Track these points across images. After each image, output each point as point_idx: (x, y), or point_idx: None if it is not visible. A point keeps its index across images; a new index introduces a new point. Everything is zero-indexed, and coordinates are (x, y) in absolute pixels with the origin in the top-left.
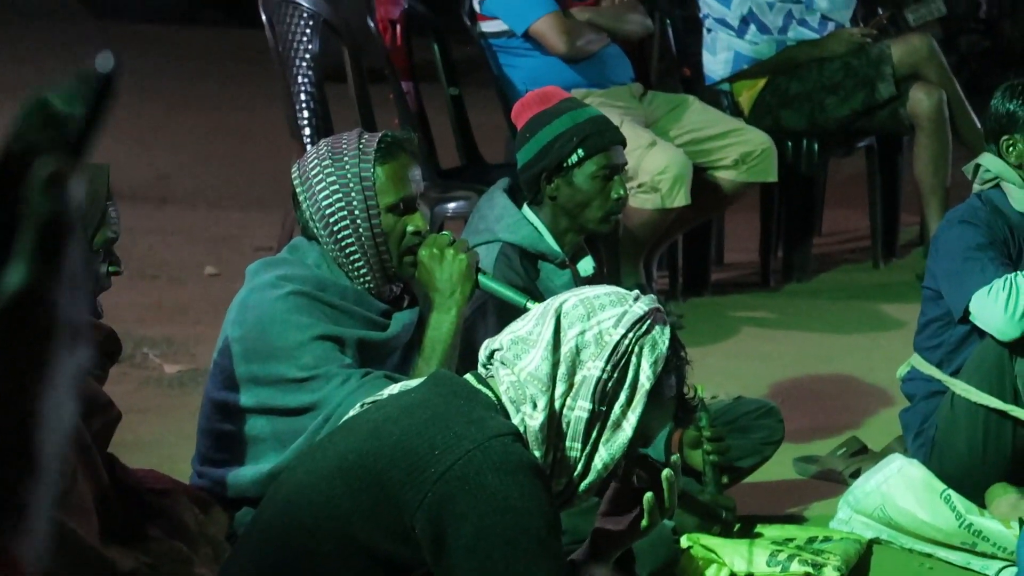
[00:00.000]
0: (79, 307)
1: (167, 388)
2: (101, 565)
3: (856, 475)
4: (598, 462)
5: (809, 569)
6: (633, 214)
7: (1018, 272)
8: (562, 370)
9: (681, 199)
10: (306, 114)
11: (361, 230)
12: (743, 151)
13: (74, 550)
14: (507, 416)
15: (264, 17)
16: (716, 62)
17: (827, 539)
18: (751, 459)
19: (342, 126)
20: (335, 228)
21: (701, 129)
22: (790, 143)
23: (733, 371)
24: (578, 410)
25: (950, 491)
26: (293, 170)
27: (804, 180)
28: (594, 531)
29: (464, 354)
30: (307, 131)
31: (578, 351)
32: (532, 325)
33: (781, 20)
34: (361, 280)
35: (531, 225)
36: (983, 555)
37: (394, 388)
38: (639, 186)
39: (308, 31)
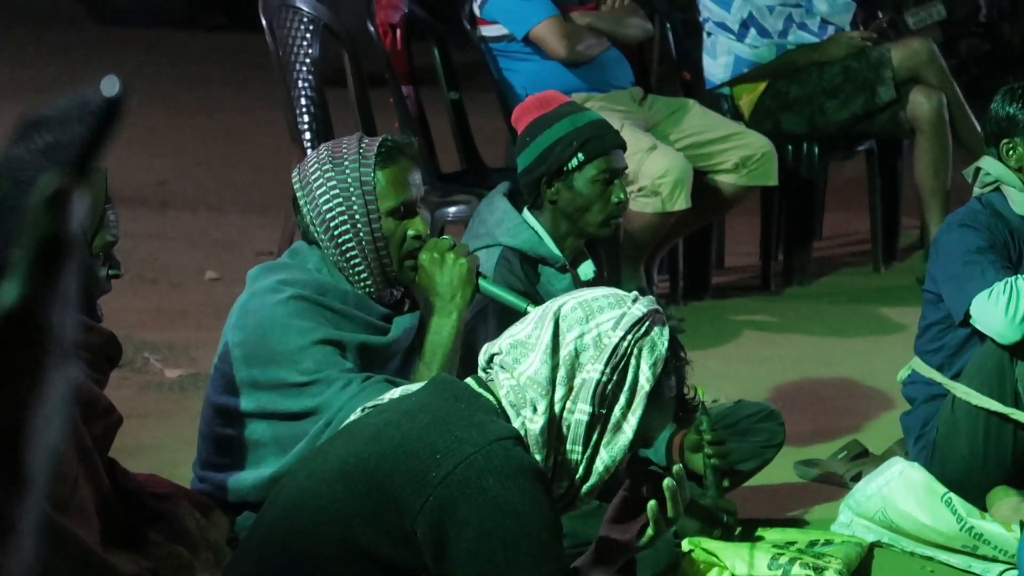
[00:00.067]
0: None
1: (168, 392)
2: (102, 569)
3: (857, 478)
4: (599, 465)
5: (810, 572)
6: (633, 218)
7: (1018, 275)
8: (561, 373)
9: (681, 203)
10: (306, 118)
11: (362, 234)
12: (743, 155)
13: (75, 554)
14: (508, 420)
15: (264, 21)
16: (716, 66)
17: (828, 542)
18: (752, 462)
19: (342, 130)
20: (336, 232)
21: (701, 133)
22: (790, 147)
23: (734, 375)
24: (578, 413)
25: (951, 494)
26: (293, 174)
27: (804, 184)
28: (599, 539)
29: (465, 358)
30: (307, 135)
31: (577, 354)
32: (531, 329)
33: (781, 24)
34: (362, 284)
35: (531, 229)
36: (984, 558)
37: (395, 392)
38: (639, 190)
39: (308, 35)
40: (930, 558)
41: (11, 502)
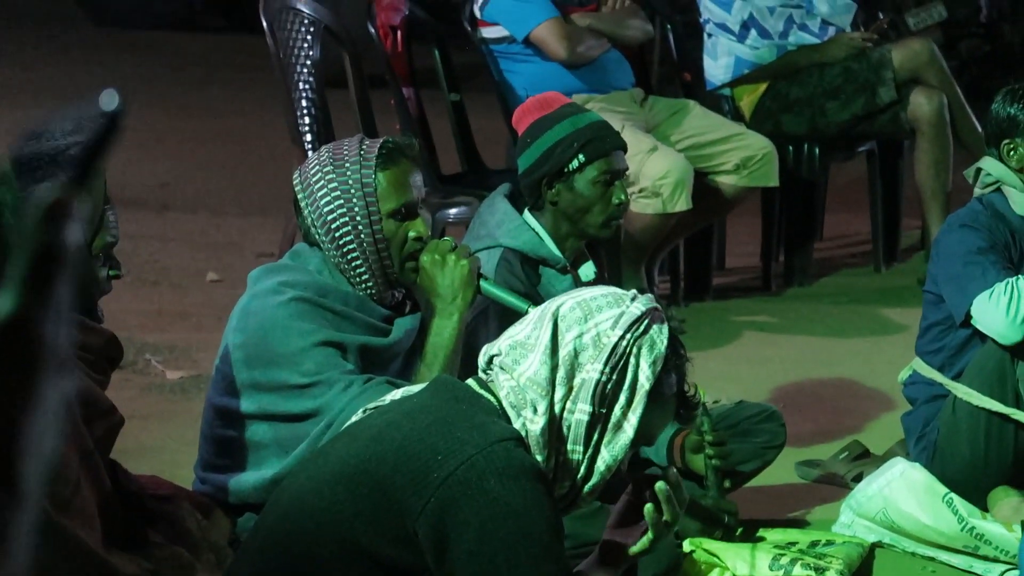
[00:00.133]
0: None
1: (169, 394)
2: (103, 570)
3: (858, 479)
4: (601, 464)
5: (812, 573)
6: (634, 219)
7: (1019, 276)
8: (561, 374)
9: (682, 204)
10: (307, 120)
11: (363, 236)
12: (744, 156)
13: (77, 555)
14: (509, 421)
15: (265, 23)
16: (717, 67)
17: (829, 543)
18: (753, 463)
19: (343, 132)
20: (337, 234)
21: (702, 134)
22: (791, 147)
23: (735, 375)
24: (578, 413)
25: (952, 495)
26: (294, 176)
27: (805, 184)
28: (602, 543)
29: (466, 359)
30: (308, 137)
31: (576, 354)
32: (530, 329)
33: (782, 25)
34: (363, 286)
35: (532, 230)
36: (985, 558)
37: (396, 394)
38: (640, 191)
39: (309, 37)
40: (931, 558)
41: (4, 513)
